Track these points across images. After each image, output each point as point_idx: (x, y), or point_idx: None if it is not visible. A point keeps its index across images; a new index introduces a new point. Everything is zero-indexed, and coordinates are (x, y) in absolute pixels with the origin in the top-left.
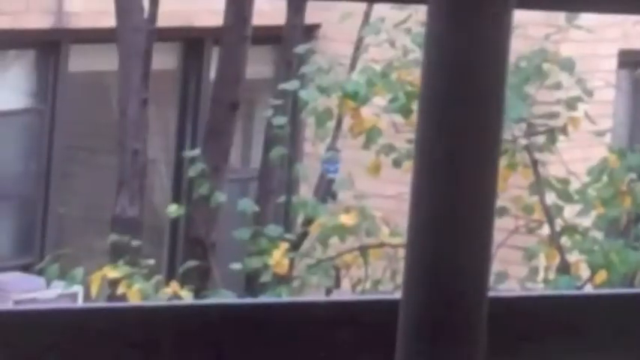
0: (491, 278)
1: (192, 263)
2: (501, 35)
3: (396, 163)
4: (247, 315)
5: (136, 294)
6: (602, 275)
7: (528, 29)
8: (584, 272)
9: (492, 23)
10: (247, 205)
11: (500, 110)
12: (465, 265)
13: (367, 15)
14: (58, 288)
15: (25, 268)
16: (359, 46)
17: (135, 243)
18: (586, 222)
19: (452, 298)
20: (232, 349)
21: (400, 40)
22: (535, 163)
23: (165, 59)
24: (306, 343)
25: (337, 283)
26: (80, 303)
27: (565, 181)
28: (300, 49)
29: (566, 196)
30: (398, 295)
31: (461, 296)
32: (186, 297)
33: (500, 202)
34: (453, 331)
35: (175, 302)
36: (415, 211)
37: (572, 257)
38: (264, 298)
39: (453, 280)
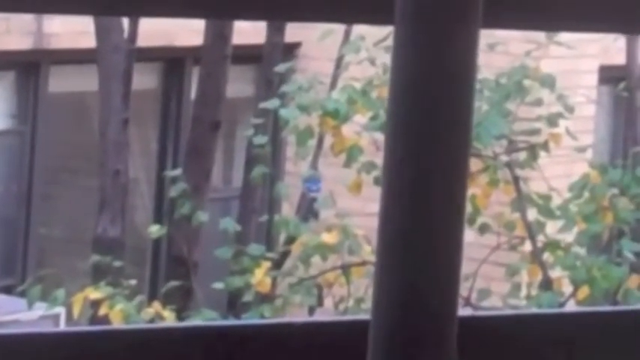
0: (474, 295)
1: (174, 283)
2: (468, 55)
3: (378, 181)
4: (221, 337)
5: (119, 315)
6: (584, 291)
7: (509, 46)
8: (567, 288)
9: (458, 43)
10: (229, 224)
11: (468, 131)
12: (433, 286)
13: (347, 33)
14: (40, 309)
15: (7, 290)
16: (339, 65)
17: (117, 263)
18: (568, 238)
19: (421, 318)
20: None
21: (380, 58)
22: (516, 180)
23: (145, 79)
24: None
25: (320, 302)
26: (62, 325)
27: (547, 197)
28: (280, 67)
29: (547, 213)
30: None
31: (430, 317)
32: (169, 317)
33: (482, 219)
34: (422, 352)
35: (147, 325)
36: (383, 233)
37: (555, 273)
38: (235, 320)
39: (422, 302)
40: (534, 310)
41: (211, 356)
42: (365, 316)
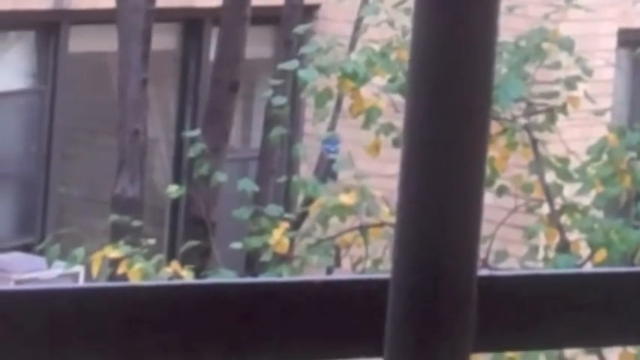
0: (491, 257)
1: (192, 243)
2: (489, 14)
3: (396, 143)
4: (240, 294)
5: (137, 274)
6: (602, 254)
7: (528, 9)
8: (584, 251)
9: (480, 2)
10: (247, 184)
11: (489, 90)
12: (454, 244)
13: None
14: (59, 268)
15: (27, 249)
16: (358, 27)
17: (135, 223)
18: (586, 201)
19: (440, 277)
20: (221, 329)
21: (399, 20)
22: (534, 143)
23: (164, 40)
24: (297, 321)
25: (337, 263)
26: (80, 283)
27: (565, 160)
28: (299, 29)
29: (565, 175)
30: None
31: (450, 275)
32: (187, 276)
33: (500, 181)
34: (441, 310)
35: (166, 282)
36: (404, 190)
37: (572, 236)
38: (255, 278)
39: (442, 259)
40: (553, 270)
41: (229, 313)
42: (385, 275)
